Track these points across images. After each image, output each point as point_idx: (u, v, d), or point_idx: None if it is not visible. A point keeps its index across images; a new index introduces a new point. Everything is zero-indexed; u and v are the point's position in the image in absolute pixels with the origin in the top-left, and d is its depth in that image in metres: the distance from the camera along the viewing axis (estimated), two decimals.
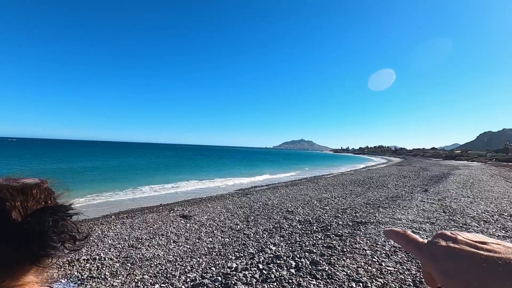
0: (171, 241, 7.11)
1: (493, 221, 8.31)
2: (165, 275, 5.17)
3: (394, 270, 4.63)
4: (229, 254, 6.05)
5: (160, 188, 18.34)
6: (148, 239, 7.27)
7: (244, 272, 4.83)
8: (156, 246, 6.73)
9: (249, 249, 6.26)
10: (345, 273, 4.50)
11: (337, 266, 4.77)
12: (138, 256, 6.10)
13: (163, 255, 6.15)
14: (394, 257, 5.22)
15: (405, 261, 5.04)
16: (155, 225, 8.66)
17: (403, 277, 4.40)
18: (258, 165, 47.62)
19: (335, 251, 5.51)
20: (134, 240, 7.22)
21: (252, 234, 7.43)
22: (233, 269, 5.09)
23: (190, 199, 14.55)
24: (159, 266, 5.60)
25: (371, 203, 11.12)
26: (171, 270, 5.38)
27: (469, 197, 12.65)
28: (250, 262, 5.34)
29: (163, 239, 7.30)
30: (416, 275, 4.47)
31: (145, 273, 5.27)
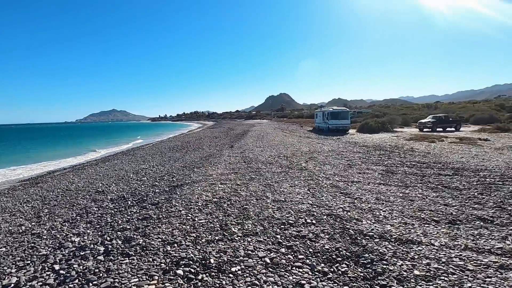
0: None
1: (274, 162, 11.04)
2: None
3: (205, 221, 5.11)
4: (5, 267, 4.46)
5: None
6: None
7: (30, 283, 3.72)
8: None
9: (40, 251, 4.90)
10: (160, 240, 4.46)
11: (153, 235, 4.65)
12: None
13: None
14: (206, 209, 5.75)
15: (214, 210, 5.68)
16: None
17: (212, 225, 4.94)
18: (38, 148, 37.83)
19: (151, 221, 5.35)
20: None
21: (45, 232, 5.86)
22: (12, 286, 3.80)
23: None
24: None
25: (187, 165, 11.70)
26: None
27: (260, 147, 16.09)
28: (41, 267, 4.19)
29: None
30: (223, 220, 5.15)
31: None
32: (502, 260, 3.69)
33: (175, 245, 4.26)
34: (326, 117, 27.49)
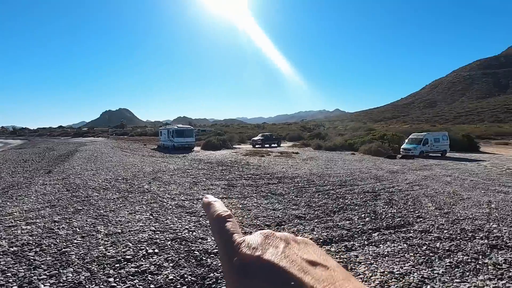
0: None
1: (110, 187, 9.47)
2: None
3: None
4: None
5: None
6: None
7: None
8: None
9: None
10: None
11: None
12: None
13: None
14: None
15: (11, 265, 4.04)
16: None
17: None
18: None
19: None
20: None
21: None
22: None
23: None
24: None
25: None
26: None
27: (92, 169, 13.52)
28: None
29: None
30: (25, 276, 3.72)
31: None
32: None
33: None
34: (172, 135, 27.05)
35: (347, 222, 6.00)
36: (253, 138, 33.92)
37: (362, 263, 4.14)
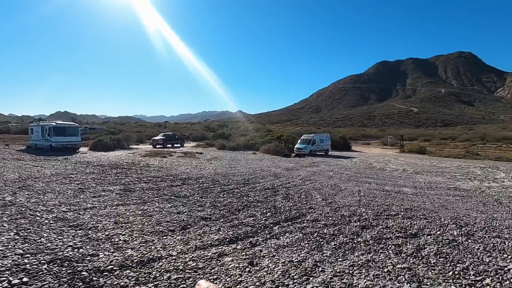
0: None
1: None
2: None
3: None
4: None
5: None
6: None
7: None
8: None
9: None
10: None
11: None
12: None
13: None
14: None
15: None
16: None
17: None
18: None
19: None
20: None
21: None
22: None
23: None
24: None
25: None
26: None
27: None
28: None
29: None
30: None
31: None
32: (219, 249, 4.63)
33: None
34: (48, 133, 22.24)
35: (251, 219, 6.28)
36: (154, 138, 31.60)
37: (265, 257, 4.40)
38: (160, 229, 5.43)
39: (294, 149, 24.99)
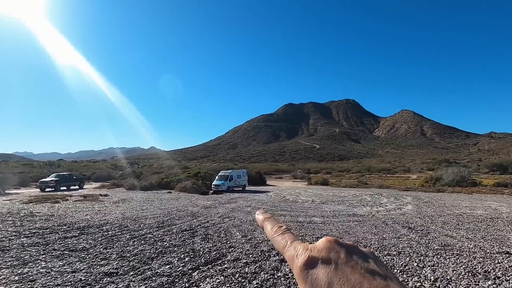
0: None
1: None
2: None
3: None
4: None
5: None
6: None
7: None
8: None
9: None
10: None
11: None
12: None
13: None
14: None
15: None
16: None
17: None
18: None
19: None
20: None
21: None
22: None
23: None
24: None
25: None
26: None
27: None
28: None
29: None
30: None
31: None
32: None
33: None
34: None
35: (167, 267, 5.67)
36: (42, 180, 26.22)
37: None
38: None
39: (212, 186, 24.64)
